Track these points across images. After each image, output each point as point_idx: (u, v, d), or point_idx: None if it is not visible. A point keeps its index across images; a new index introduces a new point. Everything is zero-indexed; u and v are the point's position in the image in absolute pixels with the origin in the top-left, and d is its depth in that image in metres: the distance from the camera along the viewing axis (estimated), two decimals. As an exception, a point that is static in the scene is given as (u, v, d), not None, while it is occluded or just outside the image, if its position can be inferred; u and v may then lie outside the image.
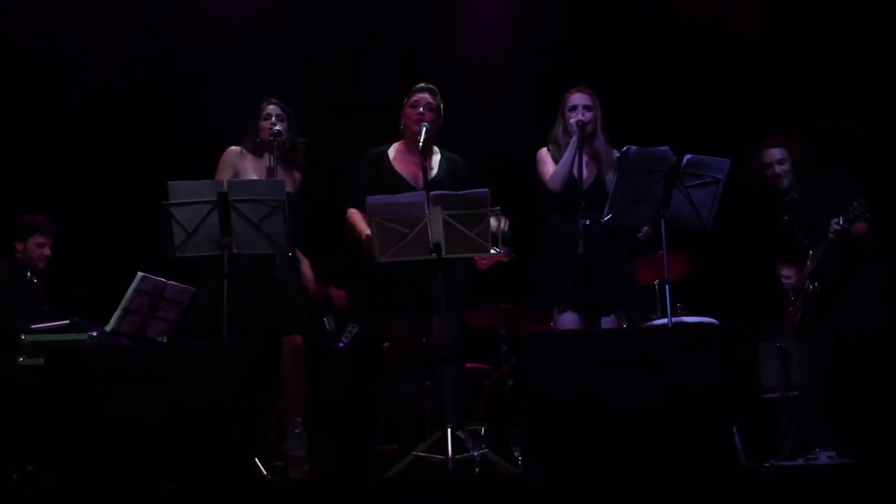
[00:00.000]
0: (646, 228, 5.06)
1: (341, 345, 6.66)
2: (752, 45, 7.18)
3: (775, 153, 5.54)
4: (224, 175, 5.18)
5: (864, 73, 6.82)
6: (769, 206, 5.63)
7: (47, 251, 6.21)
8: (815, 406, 5.41)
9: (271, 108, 5.30)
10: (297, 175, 5.38)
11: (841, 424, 5.34)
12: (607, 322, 5.02)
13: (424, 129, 5.00)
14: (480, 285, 5.41)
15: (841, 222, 5.09)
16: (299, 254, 5.36)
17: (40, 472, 4.09)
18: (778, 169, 5.53)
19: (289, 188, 5.14)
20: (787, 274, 5.61)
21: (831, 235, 5.17)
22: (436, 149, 5.27)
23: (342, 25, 7.52)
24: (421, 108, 5.12)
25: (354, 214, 5.16)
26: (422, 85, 5.22)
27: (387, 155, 5.26)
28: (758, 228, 5.87)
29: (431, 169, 5.17)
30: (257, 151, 5.27)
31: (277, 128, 5.17)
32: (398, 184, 5.13)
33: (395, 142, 5.31)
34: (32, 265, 6.19)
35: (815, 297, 5.39)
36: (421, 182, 5.05)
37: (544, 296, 5.14)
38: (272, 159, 5.10)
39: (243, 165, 5.26)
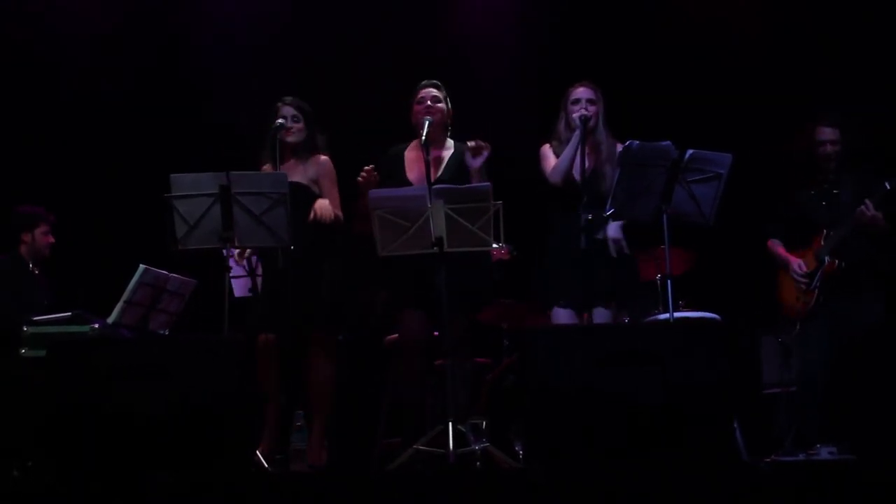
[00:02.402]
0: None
1: (341, 338, 6.65)
2: (752, 44, 7.21)
3: (831, 133, 5.53)
4: None
5: (863, 73, 6.83)
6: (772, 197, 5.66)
7: (51, 238, 6.27)
8: (814, 402, 5.40)
9: (286, 111, 5.25)
10: (321, 157, 5.31)
11: (841, 421, 5.34)
12: (602, 314, 5.01)
13: (427, 122, 5.01)
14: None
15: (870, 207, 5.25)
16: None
17: (40, 468, 4.07)
18: (830, 149, 5.51)
19: (302, 179, 5.18)
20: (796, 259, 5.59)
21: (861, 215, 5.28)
22: (450, 143, 5.28)
23: (342, 25, 7.54)
24: (428, 103, 5.15)
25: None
26: (425, 81, 5.25)
27: (403, 154, 5.28)
28: (759, 222, 5.87)
29: (440, 164, 5.18)
30: (277, 159, 5.21)
31: (280, 121, 5.16)
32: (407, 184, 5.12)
33: (409, 140, 5.31)
34: (40, 254, 6.23)
35: (837, 275, 5.40)
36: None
37: (543, 289, 5.15)
38: (276, 152, 5.08)
39: None
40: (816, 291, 5.43)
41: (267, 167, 5.23)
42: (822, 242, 5.46)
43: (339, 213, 5.21)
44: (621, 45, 7.24)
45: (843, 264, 5.38)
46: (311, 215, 5.09)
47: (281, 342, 5.09)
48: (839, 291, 5.40)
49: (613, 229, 5.03)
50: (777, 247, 5.64)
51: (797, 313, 5.51)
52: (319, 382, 5.14)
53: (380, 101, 6.26)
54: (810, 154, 5.56)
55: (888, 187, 5.28)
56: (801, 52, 7.04)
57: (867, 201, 5.30)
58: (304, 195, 5.15)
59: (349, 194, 5.23)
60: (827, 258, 5.42)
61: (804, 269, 5.48)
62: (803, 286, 5.47)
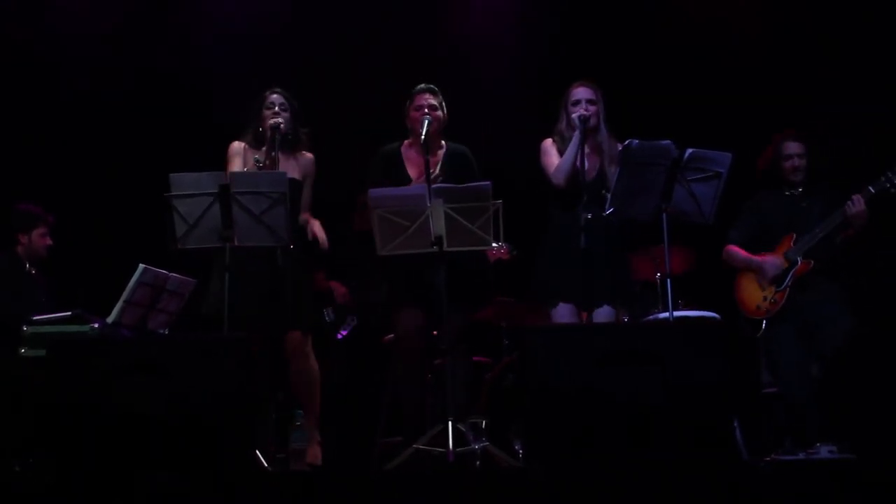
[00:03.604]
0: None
1: (340, 336, 6.66)
2: (752, 44, 7.21)
3: (796, 147, 5.59)
4: (235, 167, 5.20)
5: (864, 74, 6.83)
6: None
7: (49, 240, 6.25)
8: (807, 402, 5.39)
9: (275, 98, 5.28)
10: (307, 155, 5.35)
11: (840, 421, 5.34)
12: (602, 314, 5.01)
13: (427, 121, 5.02)
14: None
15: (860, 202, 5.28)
16: (309, 217, 5.35)
17: (41, 464, 4.07)
18: (798, 163, 5.57)
19: (295, 174, 5.18)
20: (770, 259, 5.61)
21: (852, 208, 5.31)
22: (443, 143, 5.28)
23: (342, 25, 7.54)
24: (426, 110, 5.15)
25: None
26: (422, 86, 5.24)
27: (399, 153, 5.27)
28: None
29: (436, 165, 5.18)
30: (256, 144, 5.26)
31: (279, 120, 5.17)
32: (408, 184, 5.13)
33: (403, 139, 5.32)
34: (36, 255, 6.21)
35: (807, 276, 5.42)
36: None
37: (542, 288, 5.15)
38: (273, 151, 5.08)
39: (247, 159, 5.25)
40: (788, 290, 5.44)
41: (240, 145, 5.25)
42: (793, 245, 5.49)
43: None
44: (621, 45, 7.24)
45: (817, 265, 5.41)
46: (310, 235, 5.22)
47: (270, 341, 5.10)
48: (806, 291, 5.42)
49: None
50: (740, 251, 5.65)
51: (764, 313, 5.50)
52: (312, 381, 5.18)
53: (380, 101, 6.26)
54: (776, 167, 5.61)
55: (889, 187, 5.32)
56: (801, 52, 7.04)
57: (855, 196, 5.34)
58: (296, 190, 5.19)
59: (348, 192, 5.23)
60: (800, 259, 5.44)
61: (778, 269, 5.50)
62: (774, 286, 5.48)
